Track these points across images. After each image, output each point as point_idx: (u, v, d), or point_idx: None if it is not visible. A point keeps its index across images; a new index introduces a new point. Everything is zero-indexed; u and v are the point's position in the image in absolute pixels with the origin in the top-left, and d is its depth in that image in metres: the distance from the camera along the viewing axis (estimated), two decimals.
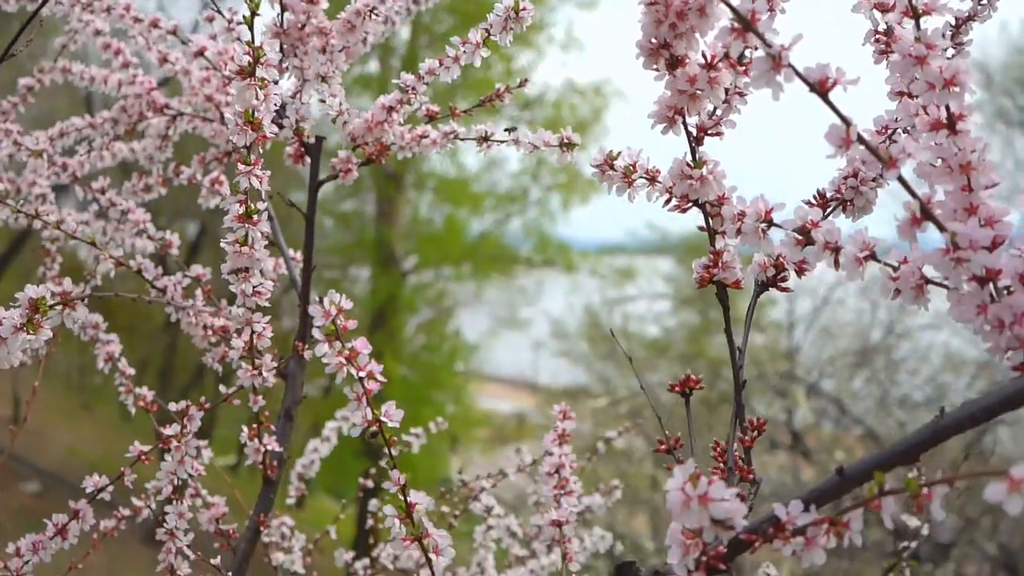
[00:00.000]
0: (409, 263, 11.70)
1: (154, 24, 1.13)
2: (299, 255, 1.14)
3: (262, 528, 1.02)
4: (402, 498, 0.67)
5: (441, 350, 11.60)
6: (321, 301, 0.63)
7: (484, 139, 0.98)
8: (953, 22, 0.76)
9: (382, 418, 0.66)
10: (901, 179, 0.53)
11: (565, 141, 0.87)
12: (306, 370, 1.07)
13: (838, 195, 0.71)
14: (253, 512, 1.03)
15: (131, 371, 1.13)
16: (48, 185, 1.34)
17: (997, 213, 0.56)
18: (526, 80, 1.03)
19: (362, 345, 0.65)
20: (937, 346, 6.79)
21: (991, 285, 0.53)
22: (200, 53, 1.09)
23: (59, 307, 0.67)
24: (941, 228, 0.53)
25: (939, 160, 0.58)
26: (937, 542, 5.77)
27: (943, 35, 0.73)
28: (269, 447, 1.00)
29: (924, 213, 0.53)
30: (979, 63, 8.45)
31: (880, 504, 0.50)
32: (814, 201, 0.72)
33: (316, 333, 0.64)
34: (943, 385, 6.67)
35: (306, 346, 1.02)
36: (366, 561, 1.56)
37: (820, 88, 0.53)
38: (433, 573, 0.67)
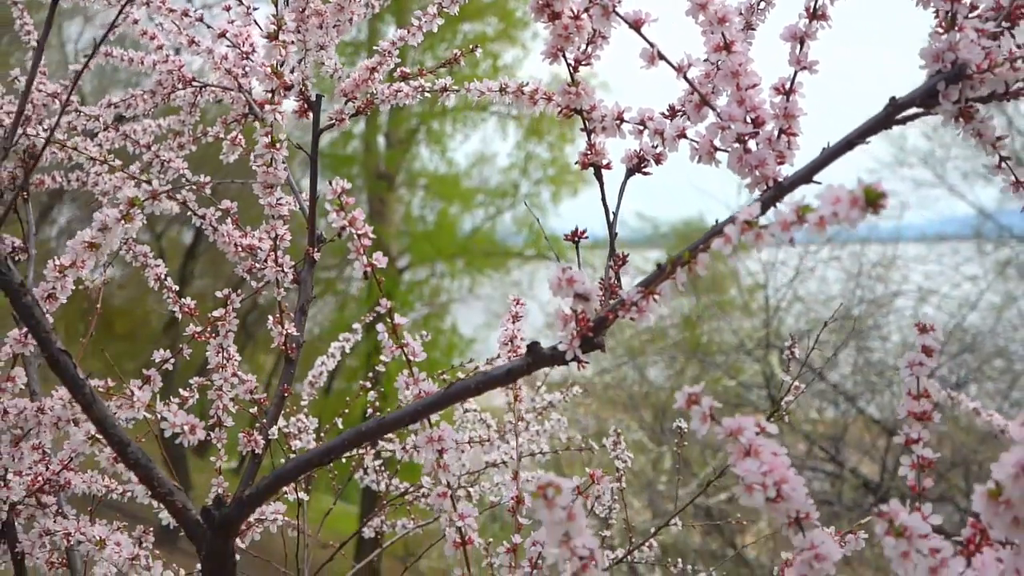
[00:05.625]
0: (403, 261, 12.02)
1: (184, 13, 1.45)
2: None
3: (286, 395, 1.34)
4: (390, 320, 0.99)
5: (438, 346, 11.90)
6: (330, 182, 0.95)
7: (444, 90, 1.30)
8: None
9: (373, 261, 0.97)
10: (686, 78, 0.85)
11: (503, 87, 1.19)
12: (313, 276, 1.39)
13: (683, 107, 1.03)
14: (279, 384, 1.34)
15: (176, 287, 1.44)
16: (98, 152, 1.66)
17: (757, 103, 0.88)
18: (476, 46, 1.35)
19: (359, 214, 0.97)
20: (908, 314, 7.13)
21: (746, 144, 0.85)
22: (222, 35, 1.40)
23: (149, 200, 0.99)
24: (713, 109, 0.85)
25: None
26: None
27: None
28: (289, 331, 1.32)
29: (702, 101, 0.85)
30: None
31: (675, 276, 0.81)
32: (666, 112, 1.03)
33: (327, 205, 0.96)
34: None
35: (316, 250, 1.33)
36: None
37: (635, 25, 0.84)
38: (411, 370, 0.99)
